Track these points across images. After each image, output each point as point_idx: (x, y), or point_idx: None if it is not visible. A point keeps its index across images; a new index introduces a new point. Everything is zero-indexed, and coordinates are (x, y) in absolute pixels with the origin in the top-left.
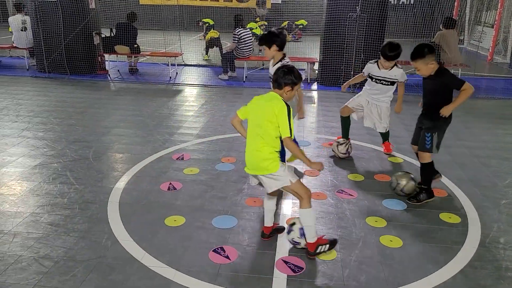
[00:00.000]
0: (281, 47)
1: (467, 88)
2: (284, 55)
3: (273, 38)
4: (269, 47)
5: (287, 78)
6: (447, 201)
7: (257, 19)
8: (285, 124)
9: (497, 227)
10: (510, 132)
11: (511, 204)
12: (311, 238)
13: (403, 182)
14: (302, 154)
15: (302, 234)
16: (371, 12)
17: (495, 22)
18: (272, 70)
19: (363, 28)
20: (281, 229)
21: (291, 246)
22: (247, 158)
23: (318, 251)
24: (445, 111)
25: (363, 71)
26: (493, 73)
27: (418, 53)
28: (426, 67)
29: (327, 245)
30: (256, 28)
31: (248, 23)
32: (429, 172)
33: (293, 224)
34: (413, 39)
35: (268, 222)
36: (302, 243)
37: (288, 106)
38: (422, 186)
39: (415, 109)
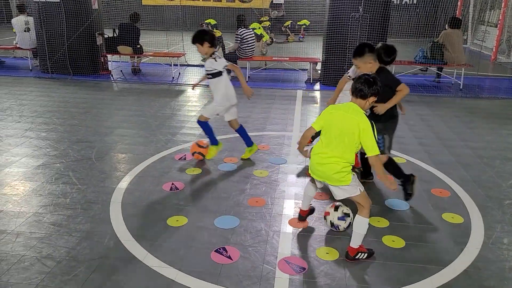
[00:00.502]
0: (212, 43)
1: (403, 89)
2: (215, 51)
3: (204, 36)
4: (202, 44)
5: (373, 88)
6: (450, 201)
7: (263, 19)
8: (372, 141)
9: (500, 227)
10: None
11: None
12: (355, 244)
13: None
14: (385, 173)
15: (342, 219)
16: (374, 12)
17: (499, 22)
18: (207, 64)
19: (366, 28)
20: (313, 210)
21: (329, 228)
22: (316, 165)
23: (357, 257)
24: (379, 109)
25: (349, 73)
26: (496, 72)
27: (358, 52)
28: (365, 66)
29: (366, 254)
30: (259, 28)
31: (251, 23)
32: (393, 167)
33: (338, 208)
34: (416, 39)
35: (305, 206)
36: (341, 226)
37: (372, 122)
38: (402, 181)
39: (420, 109)
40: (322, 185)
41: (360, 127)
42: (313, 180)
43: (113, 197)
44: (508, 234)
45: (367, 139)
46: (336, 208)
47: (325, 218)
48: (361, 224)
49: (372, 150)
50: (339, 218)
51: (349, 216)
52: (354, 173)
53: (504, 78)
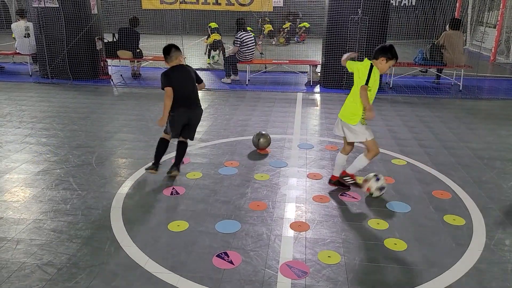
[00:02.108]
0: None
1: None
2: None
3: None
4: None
5: (380, 50)
6: (452, 203)
7: (265, 19)
8: (364, 75)
9: (502, 229)
10: None
11: None
12: (349, 170)
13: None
14: (367, 100)
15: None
16: (373, 14)
17: (498, 23)
18: None
19: (365, 30)
20: (343, 184)
21: (380, 193)
22: (343, 107)
23: (344, 178)
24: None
25: None
26: (496, 73)
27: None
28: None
29: (351, 182)
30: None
31: (265, 23)
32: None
33: (378, 177)
34: (415, 40)
35: (336, 172)
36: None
37: (372, 66)
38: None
39: (420, 111)
40: (340, 132)
41: (360, 67)
42: (343, 150)
43: (114, 203)
44: (510, 236)
45: (362, 74)
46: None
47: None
48: (361, 161)
49: (362, 82)
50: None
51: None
52: (365, 124)
53: (504, 79)
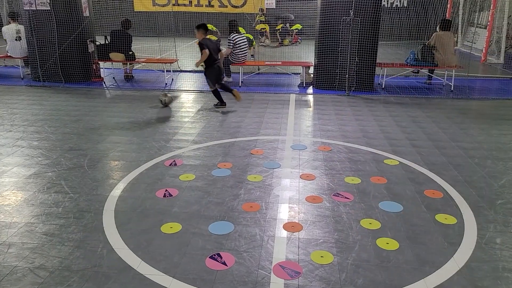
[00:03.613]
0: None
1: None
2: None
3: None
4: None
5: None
6: (443, 202)
7: (260, 17)
8: None
9: (493, 227)
10: (504, 132)
11: (507, 204)
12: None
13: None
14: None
15: None
16: (365, 16)
17: (488, 23)
18: None
19: (357, 32)
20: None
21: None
22: None
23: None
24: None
25: None
26: (487, 73)
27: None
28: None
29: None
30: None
31: (264, 23)
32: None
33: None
34: (407, 41)
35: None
36: None
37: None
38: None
39: (412, 111)
40: None
41: None
42: None
43: (106, 205)
44: (501, 234)
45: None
46: None
47: None
48: None
49: None
50: None
51: None
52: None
53: (494, 79)
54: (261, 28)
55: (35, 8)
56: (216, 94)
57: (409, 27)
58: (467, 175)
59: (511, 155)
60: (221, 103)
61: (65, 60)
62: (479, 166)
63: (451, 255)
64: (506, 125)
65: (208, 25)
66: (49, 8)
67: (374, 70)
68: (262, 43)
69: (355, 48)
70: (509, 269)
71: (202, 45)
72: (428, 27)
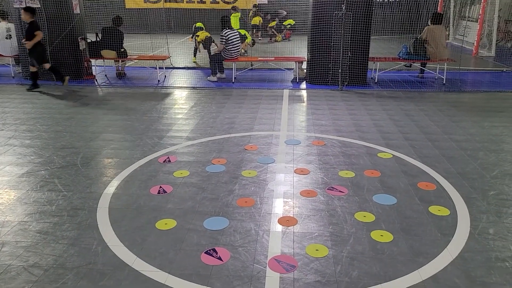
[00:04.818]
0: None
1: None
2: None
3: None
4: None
5: None
6: (436, 194)
7: (253, 10)
8: None
9: (486, 218)
10: (496, 124)
11: (499, 195)
12: None
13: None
14: None
15: None
16: (357, 10)
17: (479, 16)
18: None
19: (349, 26)
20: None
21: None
22: None
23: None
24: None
25: None
26: (478, 66)
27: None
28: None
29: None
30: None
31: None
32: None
33: None
34: (399, 35)
35: None
36: None
37: None
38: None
39: (404, 104)
40: None
41: None
42: None
43: (100, 203)
44: (493, 224)
45: None
46: None
47: None
48: None
49: None
50: None
51: None
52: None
53: (486, 72)
54: (258, 22)
55: (25, 6)
56: (34, 75)
57: (401, 21)
58: (459, 167)
59: (502, 147)
60: (35, 87)
61: (56, 58)
62: (471, 158)
63: (444, 246)
64: (497, 117)
65: (198, 23)
66: (40, 6)
67: (367, 64)
68: (260, 39)
69: (348, 42)
70: (502, 259)
71: (37, 27)
72: (420, 21)
